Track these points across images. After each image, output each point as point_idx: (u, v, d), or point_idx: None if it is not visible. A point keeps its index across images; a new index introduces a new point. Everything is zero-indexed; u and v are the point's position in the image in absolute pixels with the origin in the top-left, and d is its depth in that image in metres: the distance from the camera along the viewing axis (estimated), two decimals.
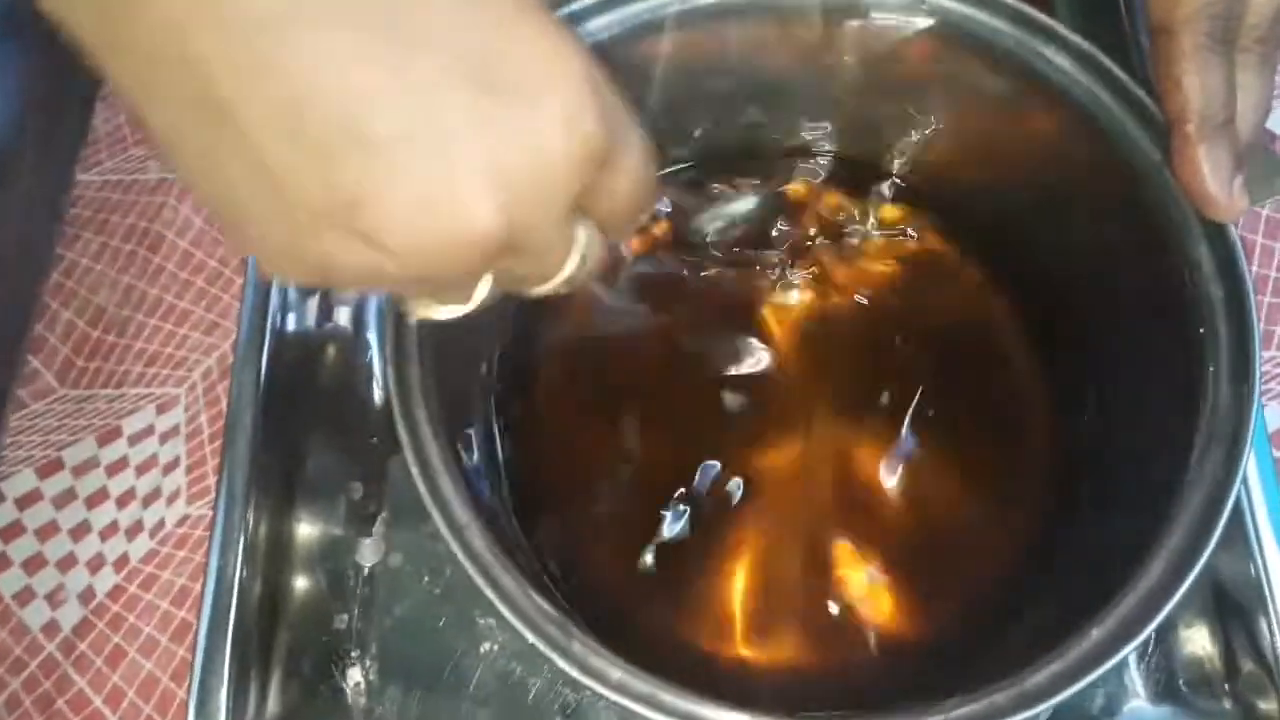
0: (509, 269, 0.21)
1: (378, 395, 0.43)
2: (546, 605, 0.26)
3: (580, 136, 0.19)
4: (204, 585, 0.36)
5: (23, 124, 0.42)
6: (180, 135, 0.18)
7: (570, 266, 0.22)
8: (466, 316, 0.23)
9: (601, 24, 0.34)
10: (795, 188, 0.41)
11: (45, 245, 0.43)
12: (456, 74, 0.17)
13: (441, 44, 0.17)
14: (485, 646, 0.39)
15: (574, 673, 0.25)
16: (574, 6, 0.34)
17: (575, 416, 0.39)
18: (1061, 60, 0.32)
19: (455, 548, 0.26)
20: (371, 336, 0.43)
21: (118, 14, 0.17)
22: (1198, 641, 0.37)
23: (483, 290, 0.22)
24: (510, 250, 0.19)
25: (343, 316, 0.43)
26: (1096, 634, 0.25)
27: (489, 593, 0.26)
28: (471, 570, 0.26)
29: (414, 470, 0.27)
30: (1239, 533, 0.35)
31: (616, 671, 0.25)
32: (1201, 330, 0.29)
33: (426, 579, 0.40)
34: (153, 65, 0.17)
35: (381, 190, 0.17)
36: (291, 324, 0.41)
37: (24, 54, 0.42)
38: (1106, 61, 0.31)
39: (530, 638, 0.25)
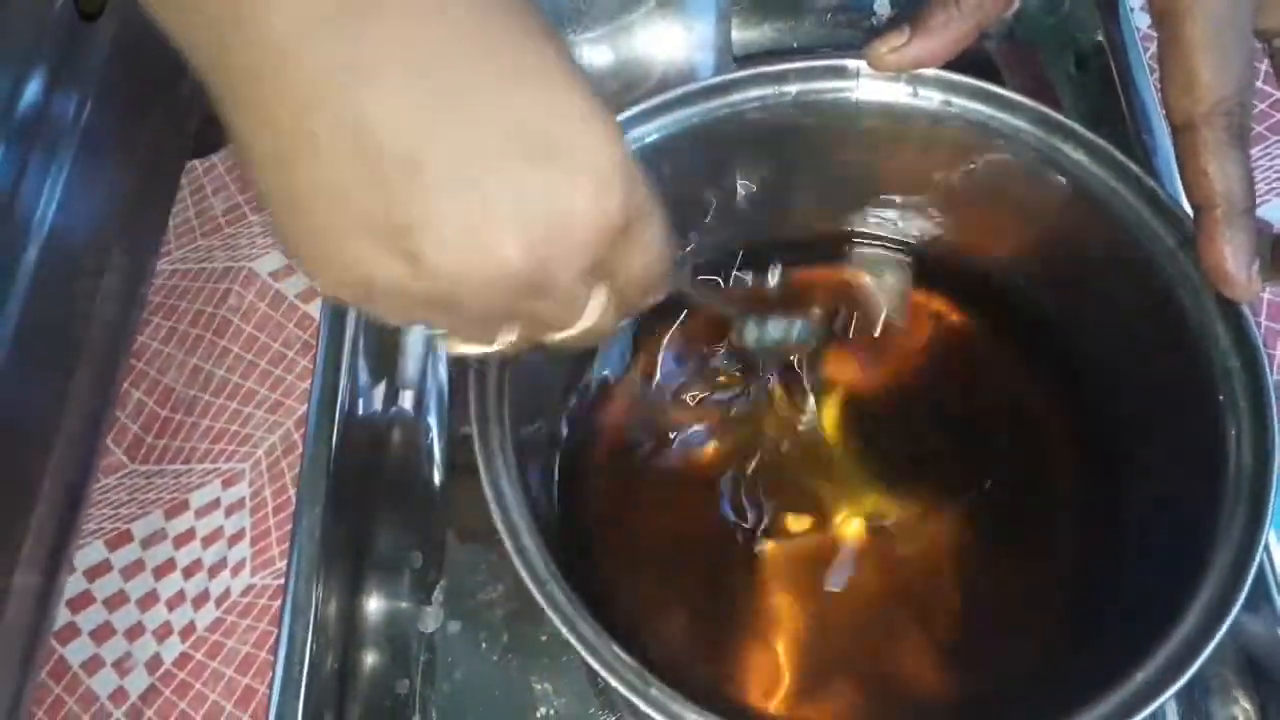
0: (530, 312, 0.24)
1: (438, 471, 0.45)
2: (624, 655, 0.28)
3: (605, 206, 0.22)
4: (276, 656, 0.38)
5: (111, 223, 0.45)
6: (263, 145, 0.21)
7: (586, 320, 0.25)
8: (488, 357, 0.25)
9: (651, 128, 0.37)
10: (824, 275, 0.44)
11: (128, 332, 0.46)
12: (506, 136, 0.21)
13: (495, 106, 0.21)
14: (541, 711, 0.40)
15: (655, 715, 0.26)
16: (624, 114, 0.37)
17: (628, 476, 0.41)
18: (1079, 155, 0.35)
19: (540, 599, 0.28)
20: (432, 420, 0.46)
21: (229, 39, 0.20)
22: (1233, 709, 0.38)
23: (506, 335, 0.25)
24: (532, 293, 0.23)
25: (406, 401, 0.46)
26: (1141, 677, 0.27)
27: (574, 641, 0.27)
28: (557, 621, 0.28)
29: (500, 527, 0.29)
30: (1263, 597, 0.37)
31: (693, 715, 0.27)
32: (1221, 399, 0.31)
33: (484, 645, 0.42)
34: (248, 82, 0.21)
35: (428, 220, 0.21)
36: (360, 409, 0.43)
37: (115, 164, 0.46)
38: (1121, 156, 0.34)
39: (613, 683, 0.27)
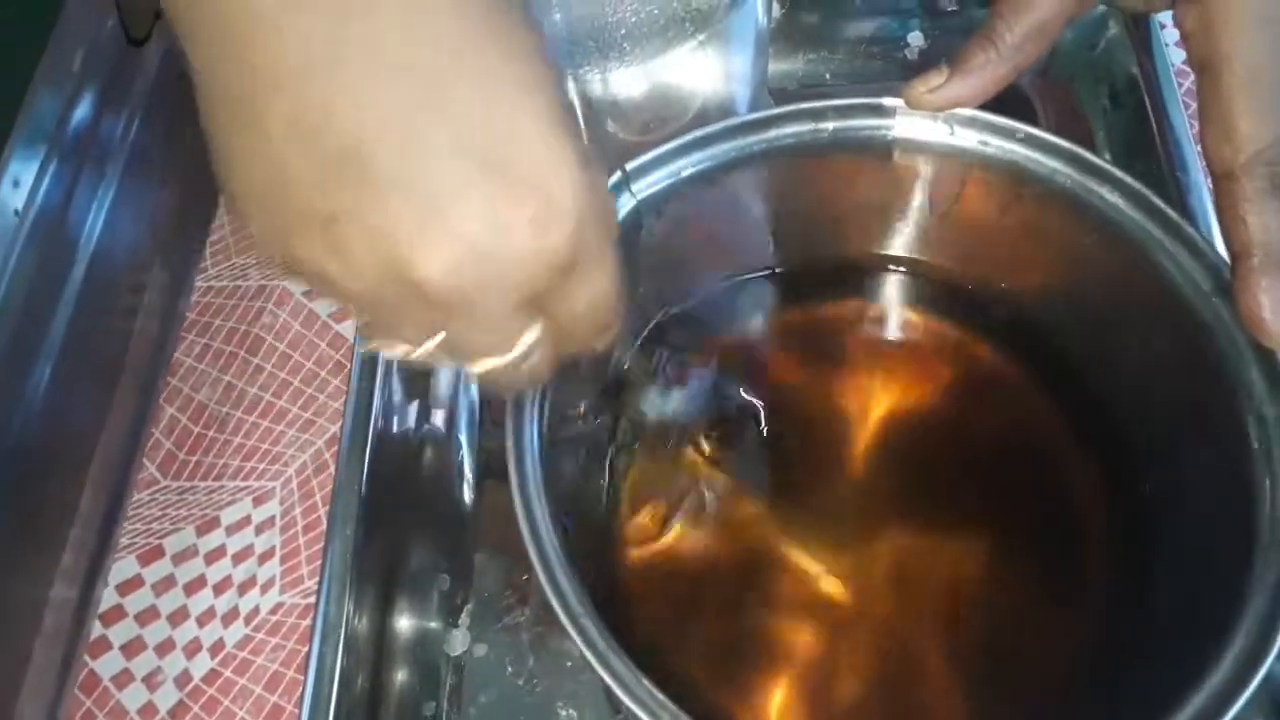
0: (452, 330, 0.23)
1: (468, 492, 0.45)
2: (658, 692, 0.28)
3: (543, 245, 0.21)
4: (305, 675, 0.38)
5: (153, 242, 0.46)
6: (224, 126, 0.22)
7: (514, 354, 0.24)
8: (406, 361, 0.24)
9: (688, 161, 0.38)
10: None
11: (167, 348, 0.47)
12: (460, 142, 0.20)
13: (456, 110, 0.20)
14: None
15: None
16: (665, 148, 0.37)
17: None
18: (1115, 198, 0.36)
19: (574, 634, 0.28)
20: (463, 438, 0.46)
21: (210, 24, 0.21)
22: None
23: (426, 344, 0.23)
24: (452, 313, 0.22)
25: (438, 419, 0.46)
26: None
27: (607, 679, 0.28)
28: (591, 657, 0.28)
29: (534, 561, 0.30)
30: None
31: None
32: (1255, 446, 0.31)
33: (510, 669, 0.42)
34: (217, 66, 0.21)
35: (358, 216, 0.20)
36: (393, 427, 0.44)
37: (159, 182, 0.47)
38: (1158, 200, 0.35)
39: (645, 718, 0.27)
